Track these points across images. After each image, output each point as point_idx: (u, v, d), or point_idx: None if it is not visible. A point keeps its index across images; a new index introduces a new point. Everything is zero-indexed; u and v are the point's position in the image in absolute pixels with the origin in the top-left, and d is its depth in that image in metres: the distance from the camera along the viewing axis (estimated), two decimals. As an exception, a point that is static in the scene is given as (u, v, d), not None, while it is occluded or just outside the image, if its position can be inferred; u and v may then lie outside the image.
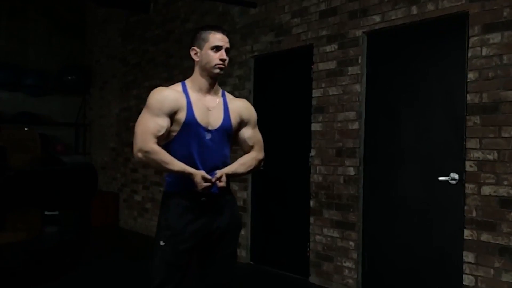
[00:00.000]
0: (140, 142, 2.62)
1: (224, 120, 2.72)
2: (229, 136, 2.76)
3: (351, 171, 4.65)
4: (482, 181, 3.74)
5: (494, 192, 3.67)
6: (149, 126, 2.61)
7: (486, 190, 3.71)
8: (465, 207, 3.82)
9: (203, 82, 2.73)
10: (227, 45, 2.74)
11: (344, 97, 4.72)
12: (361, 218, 4.60)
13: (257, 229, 5.76)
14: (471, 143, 3.81)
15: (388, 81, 4.47)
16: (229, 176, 2.69)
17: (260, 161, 2.88)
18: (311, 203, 5.00)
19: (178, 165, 2.61)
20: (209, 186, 2.60)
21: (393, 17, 4.34)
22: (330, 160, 4.83)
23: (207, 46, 2.70)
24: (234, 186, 5.95)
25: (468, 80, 3.84)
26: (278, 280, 5.24)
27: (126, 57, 8.30)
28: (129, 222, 8.02)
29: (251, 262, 5.78)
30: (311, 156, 5.01)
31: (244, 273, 5.48)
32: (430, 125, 4.14)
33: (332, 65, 4.83)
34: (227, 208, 2.74)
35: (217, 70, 2.71)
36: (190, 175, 2.60)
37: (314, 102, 5.00)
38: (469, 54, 3.83)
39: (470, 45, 3.83)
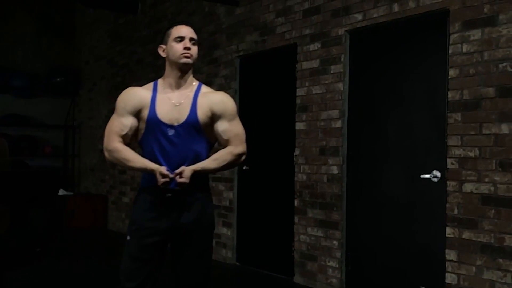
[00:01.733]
0: (105, 141, 2.66)
1: (189, 114, 2.66)
2: (198, 131, 2.68)
3: (335, 170, 4.63)
4: (463, 179, 3.72)
5: (476, 189, 3.65)
6: (114, 125, 2.65)
7: (468, 187, 3.69)
8: (447, 205, 3.81)
9: (173, 77, 2.69)
10: (191, 35, 2.70)
11: (327, 96, 4.70)
12: (344, 217, 4.57)
13: (242, 229, 5.73)
14: (452, 140, 3.80)
15: (370, 79, 4.45)
16: (199, 173, 2.61)
17: (238, 156, 2.73)
18: (296, 202, 4.98)
19: (140, 162, 2.60)
20: (167, 181, 2.55)
21: (374, 15, 4.33)
22: (314, 159, 4.81)
23: (170, 39, 2.69)
24: (220, 186, 5.94)
25: (449, 77, 3.83)
26: (263, 280, 5.21)
27: (114, 58, 8.27)
28: (117, 224, 7.97)
29: (237, 263, 5.74)
30: (295, 155, 4.99)
31: (230, 274, 5.45)
32: (413, 122, 4.12)
33: (315, 63, 4.82)
34: (197, 206, 2.67)
35: (183, 60, 2.65)
36: (152, 172, 2.57)
37: (298, 101, 4.98)
38: (450, 51, 3.82)
39: (450, 42, 3.82)
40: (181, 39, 2.67)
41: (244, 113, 5.73)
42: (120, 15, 8.07)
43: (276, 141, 5.38)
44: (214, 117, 2.72)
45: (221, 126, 2.72)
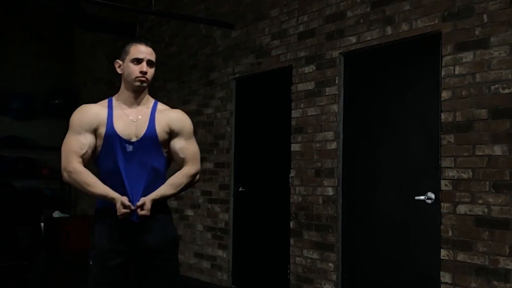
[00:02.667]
0: (64, 162, 2.59)
1: (148, 129, 2.66)
2: (156, 146, 2.68)
3: (330, 191, 4.62)
4: (457, 200, 3.72)
5: (470, 211, 3.64)
6: (72, 145, 2.59)
7: (462, 209, 3.69)
8: (441, 227, 3.80)
9: (128, 95, 2.69)
10: (150, 57, 2.67)
11: (322, 117, 4.72)
12: (340, 239, 4.56)
13: (238, 251, 5.70)
14: (446, 162, 3.80)
15: (364, 101, 4.48)
16: (158, 201, 2.63)
17: (193, 176, 2.76)
18: (291, 224, 4.96)
19: (101, 188, 2.56)
20: (128, 213, 2.53)
21: (368, 38, 4.37)
22: (309, 180, 4.81)
23: (128, 58, 2.66)
24: (216, 208, 5.92)
25: (442, 99, 3.85)
26: (259, 303, 5.17)
27: (112, 80, 8.30)
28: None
29: (233, 286, 5.70)
30: (291, 176, 4.99)
31: (225, 297, 5.41)
32: (407, 144, 4.14)
33: (310, 85, 4.85)
34: (158, 226, 2.66)
35: (138, 83, 2.65)
36: (112, 200, 2.54)
37: (293, 123, 5.00)
38: (443, 73, 3.85)
39: (443, 64, 3.85)
40: (138, 61, 2.65)
41: (239, 135, 5.76)
42: (119, 38, 8.13)
43: (271, 162, 5.38)
44: (171, 134, 2.72)
45: (178, 144, 2.74)
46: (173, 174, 2.76)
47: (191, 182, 2.77)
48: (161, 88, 6.95)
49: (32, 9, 8.85)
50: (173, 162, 2.80)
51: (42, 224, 7.74)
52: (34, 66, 9.23)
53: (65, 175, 2.59)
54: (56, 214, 8.20)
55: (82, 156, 2.59)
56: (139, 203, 2.57)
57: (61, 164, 2.60)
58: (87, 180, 2.56)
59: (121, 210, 2.53)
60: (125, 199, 2.54)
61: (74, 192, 9.24)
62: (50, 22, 9.16)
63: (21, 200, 5.52)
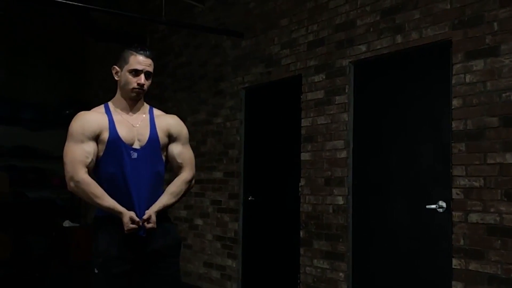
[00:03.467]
0: (71, 171, 2.56)
1: (150, 135, 2.69)
2: (158, 150, 2.72)
3: (340, 201, 4.60)
4: (469, 209, 3.69)
5: (481, 219, 3.61)
6: (76, 154, 2.56)
7: (473, 217, 3.66)
8: (453, 236, 3.76)
9: (124, 102, 2.72)
10: (148, 69, 2.68)
11: (332, 126, 4.71)
12: (350, 248, 4.53)
13: (248, 261, 5.68)
14: (457, 171, 3.77)
15: (375, 110, 4.47)
16: (161, 211, 2.66)
17: (190, 181, 2.81)
18: (301, 233, 4.94)
19: (108, 201, 2.56)
20: (135, 228, 2.55)
21: (378, 47, 4.37)
22: (319, 189, 4.79)
23: (126, 67, 2.67)
24: (225, 217, 5.92)
25: (452, 107, 3.83)
26: (268, 313, 5.14)
27: (123, 90, 8.36)
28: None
29: (243, 295, 5.68)
30: (301, 185, 4.98)
31: (234, 306, 5.39)
32: (417, 153, 4.11)
33: (320, 94, 4.85)
34: (161, 232, 2.68)
35: (134, 94, 2.68)
36: (119, 214, 2.55)
37: (303, 132, 5.00)
38: (453, 81, 3.84)
39: (454, 72, 3.84)
40: (136, 73, 2.65)
41: (249, 144, 5.77)
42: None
43: (281, 171, 5.37)
44: (170, 138, 2.77)
45: (176, 149, 2.79)
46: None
47: (189, 188, 2.82)
48: (171, 98, 6.99)
49: (44, 20, 8.94)
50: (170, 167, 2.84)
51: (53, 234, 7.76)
52: (45, 76, 9.30)
53: (71, 184, 2.57)
54: (66, 223, 8.22)
55: (88, 165, 2.59)
56: (145, 217, 2.59)
57: (65, 174, 2.58)
58: (95, 192, 2.56)
59: (129, 226, 2.54)
60: (133, 214, 2.55)
61: (84, 202, 9.26)
62: (61, 33, 9.24)
63: (34, 211, 5.56)
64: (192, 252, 6.41)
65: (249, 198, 5.66)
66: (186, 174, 2.79)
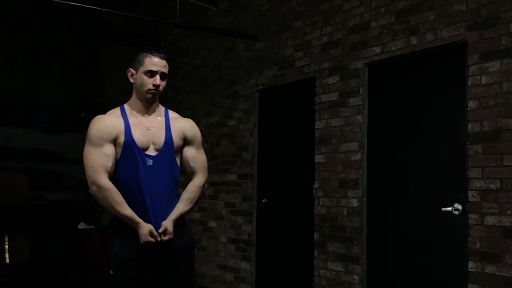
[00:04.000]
0: (92, 175, 2.59)
1: (166, 138, 2.70)
2: (173, 154, 2.73)
3: (355, 203, 4.58)
4: (485, 211, 3.65)
5: (498, 222, 3.57)
6: (97, 159, 2.59)
7: (490, 220, 3.62)
8: (469, 238, 3.73)
9: (140, 104, 2.73)
10: (163, 70, 2.70)
11: (346, 128, 4.69)
12: (365, 251, 4.50)
13: (262, 263, 5.67)
14: (473, 173, 3.74)
15: (389, 111, 4.45)
16: (178, 219, 2.68)
17: (203, 186, 2.85)
18: (315, 236, 4.93)
19: (127, 210, 2.58)
20: (152, 242, 2.57)
21: (393, 48, 4.34)
22: (333, 191, 4.78)
23: (141, 69, 2.69)
24: (239, 220, 5.92)
25: (468, 109, 3.80)
26: (283, 316, 5.13)
27: (137, 93, 8.40)
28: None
29: (257, 298, 5.68)
30: (315, 188, 4.96)
31: (248, 309, 5.39)
32: (433, 155, 4.08)
33: (334, 96, 4.84)
34: (176, 235, 2.69)
35: (149, 96, 2.69)
36: (137, 225, 2.57)
37: (317, 134, 4.98)
38: (469, 83, 3.81)
39: (469, 74, 3.81)
40: (152, 74, 2.67)
41: (263, 147, 5.76)
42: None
43: (295, 174, 5.36)
44: (185, 141, 2.79)
45: (190, 152, 2.81)
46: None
47: (202, 193, 2.86)
48: (185, 100, 7.01)
49: (58, 24, 9.02)
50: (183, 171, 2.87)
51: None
52: (60, 80, 9.38)
53: (93, 188, 2.60)
54: (82, 225, 8.27)
55: (109, 168, 2.61)
56: (161, 230, 2.61)
57: (87, 178, 2.61)
58: (116, 199, 2.58)
59: (147, 238, 2.56)
60: (152, 228, 2.57)
61: (99, 205, 9.31)
62: (76, 36, 9.32)
63: (54, 213, 5.65)
64: (206, 255, 6.41)
65: (263, 201, 5.66)
66: (199, 179, 2.82)
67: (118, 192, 2.60)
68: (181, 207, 2.72)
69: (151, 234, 2.56)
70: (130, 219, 2.58)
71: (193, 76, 6.90)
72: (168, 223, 2.62)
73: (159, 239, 2.58)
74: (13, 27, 8.48)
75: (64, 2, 5.14)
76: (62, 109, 9.26)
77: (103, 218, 9.21)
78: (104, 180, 2.58)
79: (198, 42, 6.91)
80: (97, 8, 5.57)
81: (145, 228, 2.56)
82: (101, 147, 2.61)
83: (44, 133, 9.17)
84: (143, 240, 2.56)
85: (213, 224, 6.38)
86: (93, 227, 8.63)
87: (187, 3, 6.31)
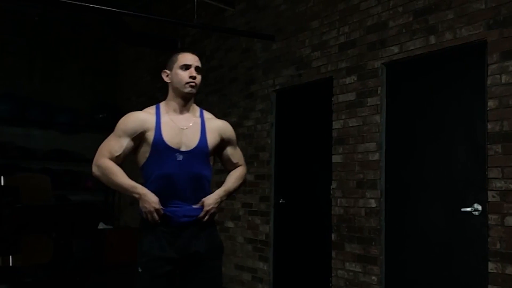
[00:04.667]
0: (97, 156, 2.67)
1: (200, 140, 2.71)
2: (206, 156, 2.73)
3: (373, 203, 4.56)
4: (505, 212, 3.61)
5: (519, 223, 3.54)
6: (109, 145, 2.66)
7: (510, 220, 3.58)
8: (489, 239, 3.69)
9: (176, 104, 2.74)
10: (197, 64, 2.75)
11: (364, 128, 4.68)
12: (383, 252, 4.48)
13: (279, 264, 5.67)
14: (493, 173, 3.70)
15: (408, 111, 4.42)
16: (225, 199, 2.78)
17: (245, 175, 2.99)
18: (333, 236, 4.91)
19: (128, 180, 2.62)
20: (155, 219, 2.58)
21: (411, 48, 4.32)
22: (351, 192, 4.76)
23: (176, 66, 2.72)
24: (256, 220, 5.92)
25: (488, 108, 3.76)
26: (300, 316, 5.12)
27: (155, 94, 8.45)
28: (156, 258, 8.00)
29: (274, 298, 5.68)
30: (332, 188, 4.95)
31: (266, 309, 5.39)
32: (452, 155, 4.05)
33: (351, 96, 4.82)
34: (204, 232, 2.70)
35: (188, 89, 2.70)
36: (142, 194, 2.59)
37: (334, 134, 4.97)
38: (489, 82, 3.77)
39: (489, 73, 3.77)
40: (187, 67, 2.71)
41: (280, 147, 5.76)
42: (161, 53, 8.28)
43: (312, 174, 5.35)
44: (222, 142, 2.83)
45: (230, 151, 2.91)
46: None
47: (245, 181, 2.99)
48: (202, 101, 7.02)
49: (77, 26, 9.12)
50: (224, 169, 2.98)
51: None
52: (79, 81, 9.48)
53: (94, 169, 2.66)
54: (101, 225, 8.34)
55: (115, 157, 2.65)
56: (205, 210, 2.67)
57: (93, 160, 2.67)
58: (114, 170, 2.62)
59: (153, 216, 2.58)
60: (157, 203, 2.59)
61: (117, 204, 9.40)
62: (94, 38, 9.41)
63: (76, 214, 5.75)
64: (223, 255, 6.41)
65: (280, 201, 5.65)
66: (242, 168, 2.96)
67: (118, 167, 2.64)
68: (229, 183, 2.83)
69: (157, 211, 2.57)
70: (132, 187, 2.60)
71: (211, 77, 6.92)
72: (212, 206, 2.68)
73: (201, 215, 2.63)
74: (33, 29, 8.58)
75: (82, 4, 5.19)
76: (81, 110, 9.36)
77: (121, 219, 9.28)
78: (105, 160, 2.63)
79: (215, 43, 6.93)
80: (115, 9, 5.61)
81: (154, 196, 2.58)
82: (119, 137, 2.66)
83: (63, 134, 9.28)
84: (149, 217, 2.56)
85: (230, 224, 6.39)
86: (111, 227, 8.71)
87: (204, 4, 6.34)
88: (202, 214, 2.64)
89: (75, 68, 9.43)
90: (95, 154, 2.69)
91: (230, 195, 2.90)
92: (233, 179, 2.86)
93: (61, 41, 9.20)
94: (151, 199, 2.58)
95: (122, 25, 7.72)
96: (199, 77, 2.75)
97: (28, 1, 6.28)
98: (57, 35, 9.10)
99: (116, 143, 2.65)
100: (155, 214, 2.58)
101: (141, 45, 8.19)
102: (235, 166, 2.93)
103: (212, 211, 2.66)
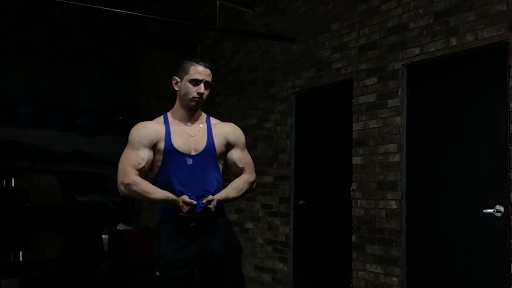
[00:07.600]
0: (121, 175, 2.65)
1: (207, 143, 2.75)
2: (214, 158, 2.77)
3: (393, 205, 4.57)
4: (528, 213, 3.60)
5: (542, 224, 3.53)
6: (130, 159, 2.65)
7: (533, 222, 3.57)
8: (511, 241, 3.68)
9: (183, 112, 2.79)
10: (208, 79, 2.76)
11: (385, 130, 4.68)
12: (404, 253, 4.48)
13: (299, 265, 5.69)
14: (515, 174, 3.70)
15: (429, 113, 4.42)
16: (221, 202, 2.73)
17: (252, 183, 2.91)
18: (353, 237, 4.93)
19: (160, 193, 2.64)
20: (191, 209, 2.60)
21: (432, 49, 4.32)
22: (372, 193, 4.77)
23: (186, 77, 2.75)
24: (276, 221, 5.95)
25: (510, 110, 3.76)
26: (320, 317, 5.14)
27: (174, 97, 8.50)
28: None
29: (294, 299, 5.70)
30: (353, 189, 4.96)
31: (286, 310, 5.41)
32: (473, 156, 4.05)
33: (372, 98, 4.83)
34: (220, 231, 2.74)
35: (193, 104, 2.75)
36: (174, 202, 2.63)
37: (354, 135, 4.98)
38: (510, 84, 3.76)
39: (511, 75, 3.76)
40: (196, 82, 2.73)
41: (300, 148, 5.79)
42: (180, 55, 8.35)
43: (332, 175, 5.37)
44: (228, 146, 2.84)
45: (236, 155, 2.87)
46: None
47: (250, 189, 2.91)
48: (222, 103, 7.08)
49: (97, 29, 9.22)
50: (230, 172, 2.93)
51: (105, 236, 7.97)
52: (99, 83, 9.59)
53: (122, 188, 2.65)
54: (121, 226, 8.43)
55: (140, 170, 2.67)
56: (208, 198, 2.65)
57: (117, 179, 2.68)
58: (146, 189, 2.63)
59: (185, 208, 2.61)
60: (186, 197, 2.62)
61: (137, 205, 9.49)
62: (114, 40, 9.52)
63: (84, 213, 6.00)
64: (243, 256, 6.40)
65: (300, 202, 5.68)
66: (248, 175, 2.89)
67: (147, 182, 2.66)
68: (227, 191, 2.78)
69: (185, 202, 2.60)
70: (167, 200, 2.64)
71: (230, 79, 6.97)
72: (215, 198, 2.68)
73: (194, 203, 2.61)
74: (55, 32, 8.70)
75: (103, 8, 5.26)
76: (101, 112, 9.47)
77: (140, 220, 9.37)
78: (133, 177, 2.63)
79: (235, 45, 6.98)
80: (135, 13, 5.68)
81: (179, 201, 2.62)
82: (138, 150, 2.67)
83: (84, 136, 9.40)
84: (185, 211, 2.61)
85: (250, 225, 6.43)
86: (131, 228, 8.79)
87: (224, 7, 6.39)
88: (205, 200, 2.66)
89: (95, 71, 9.54)
90: (118, 173, 2.68)
91: (224, 203, 2.85)
92: (230, 188, 2.81)
93: (82, 44, 9.32)
94: (179, 203, 2.64)
95: (142, 28, 7.81)
96: (206, 92, 2.78)
97: (50, 5, 6.39)
98: (78, 38, 9.21)
99: (136, 156, 2.66)
100: (190, 206, 2.62)
101: (160, 47, 8.28)
102: (241, 171, 2.87)
103: (211, 203, 2.65)
